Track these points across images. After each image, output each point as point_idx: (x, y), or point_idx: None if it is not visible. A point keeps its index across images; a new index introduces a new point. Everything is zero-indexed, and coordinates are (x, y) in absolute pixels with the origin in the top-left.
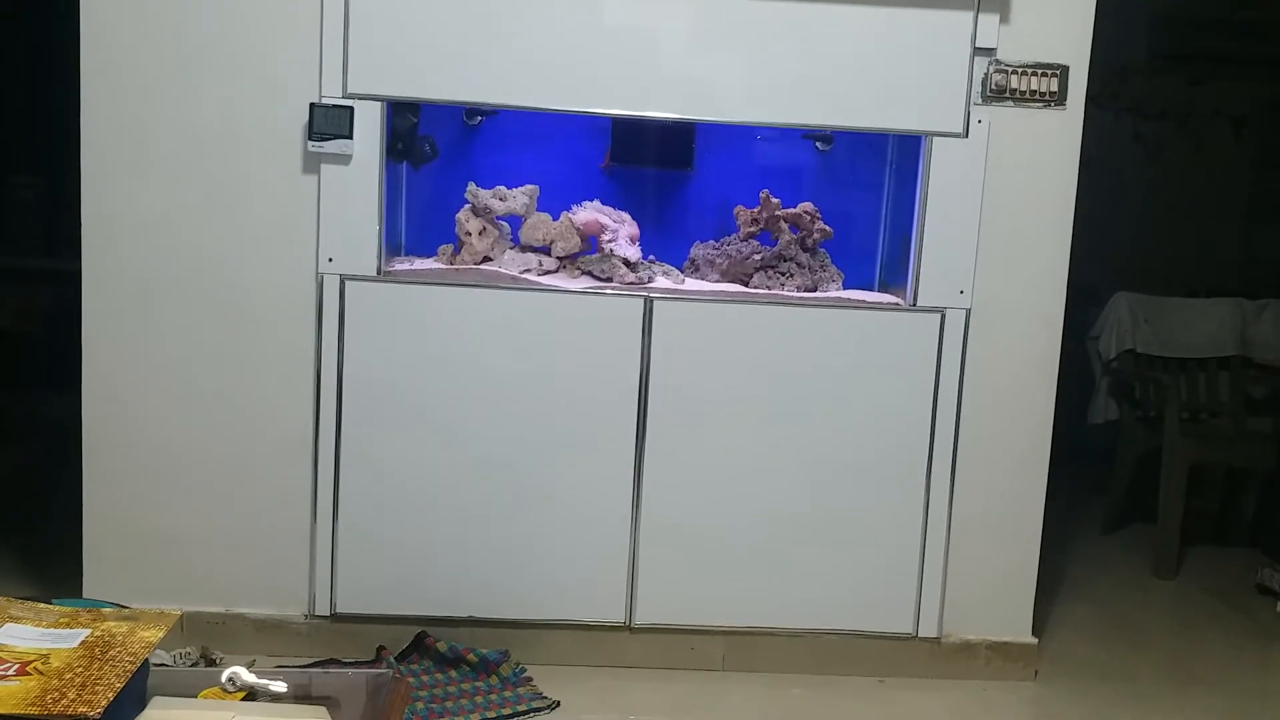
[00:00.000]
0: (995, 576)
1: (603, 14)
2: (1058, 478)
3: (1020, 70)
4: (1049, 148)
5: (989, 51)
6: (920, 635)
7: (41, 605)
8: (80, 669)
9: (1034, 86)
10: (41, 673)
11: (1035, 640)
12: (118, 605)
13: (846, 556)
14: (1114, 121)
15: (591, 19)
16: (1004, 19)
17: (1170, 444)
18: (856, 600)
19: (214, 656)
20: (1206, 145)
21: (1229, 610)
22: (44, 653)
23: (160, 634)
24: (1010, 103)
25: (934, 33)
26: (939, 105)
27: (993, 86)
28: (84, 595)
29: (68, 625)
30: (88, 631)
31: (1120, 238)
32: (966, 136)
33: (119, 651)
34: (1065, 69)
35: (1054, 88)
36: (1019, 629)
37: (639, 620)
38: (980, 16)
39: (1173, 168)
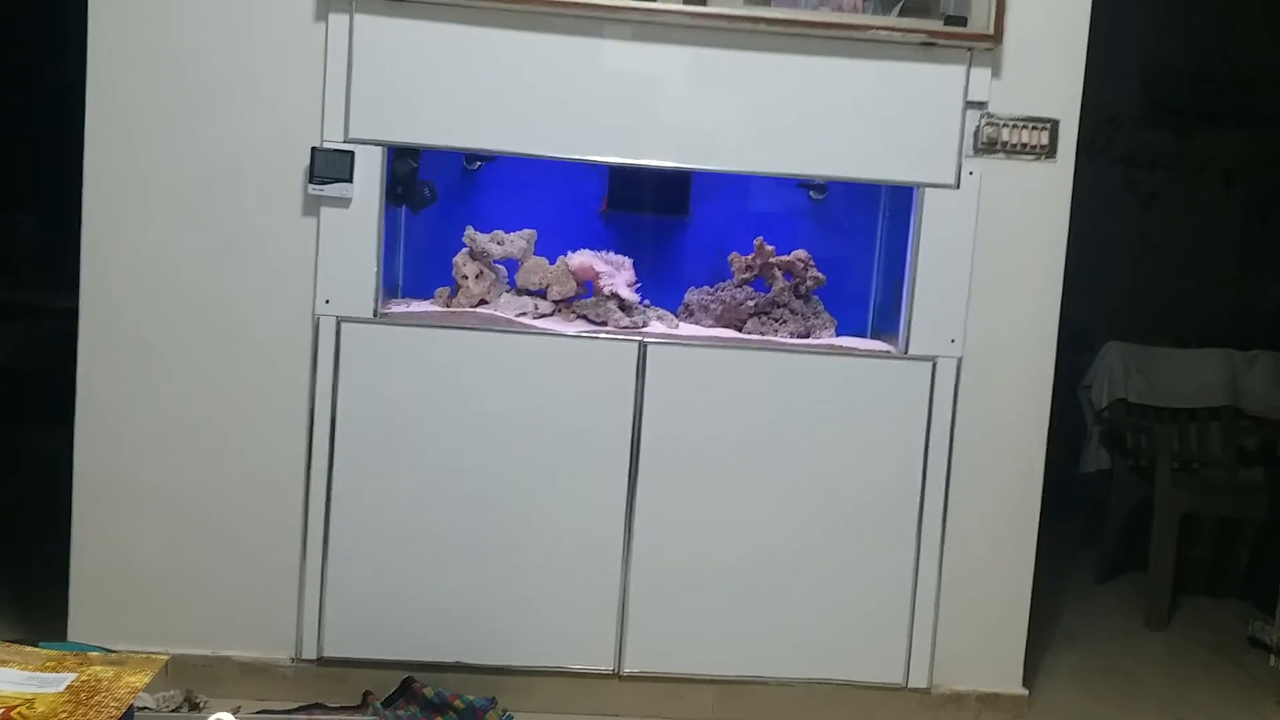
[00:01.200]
0: (986, 626)
1: (601, 63)
2: (1049, 527)
3: (1011, 123)
4: (1040, 199)
5: (981, 105)
6: (910, 686)
7: (28, 648)
8: (65, 714)
9: (1025, 139)
10: (26, 718)
11: (1026, 691)
12: (105, 649)
13: (837, 604)
14: (1105, 172)
15: (590, 68)
16: (996, 73)
17: (1162, 494)
18: (847, 649)
19: (198, 700)
20: (1197, 196)
21: (1221, 662)
22: (29, 697)
23: (146, 679)
24: (1002, 155)
25: (927, 86)
26: (931, 157)
27: (984, 139)
28: (69, 636)
29: (54, 669)
30: (74, 676)
31: (1112, 287)
32: (958, 188)
33: (104, 697)
34: (1056, 123)
35: (1045, 141)
36: (1009, 680)
37: (628, 668)
38: (972, 70)
39: (1164, 218)
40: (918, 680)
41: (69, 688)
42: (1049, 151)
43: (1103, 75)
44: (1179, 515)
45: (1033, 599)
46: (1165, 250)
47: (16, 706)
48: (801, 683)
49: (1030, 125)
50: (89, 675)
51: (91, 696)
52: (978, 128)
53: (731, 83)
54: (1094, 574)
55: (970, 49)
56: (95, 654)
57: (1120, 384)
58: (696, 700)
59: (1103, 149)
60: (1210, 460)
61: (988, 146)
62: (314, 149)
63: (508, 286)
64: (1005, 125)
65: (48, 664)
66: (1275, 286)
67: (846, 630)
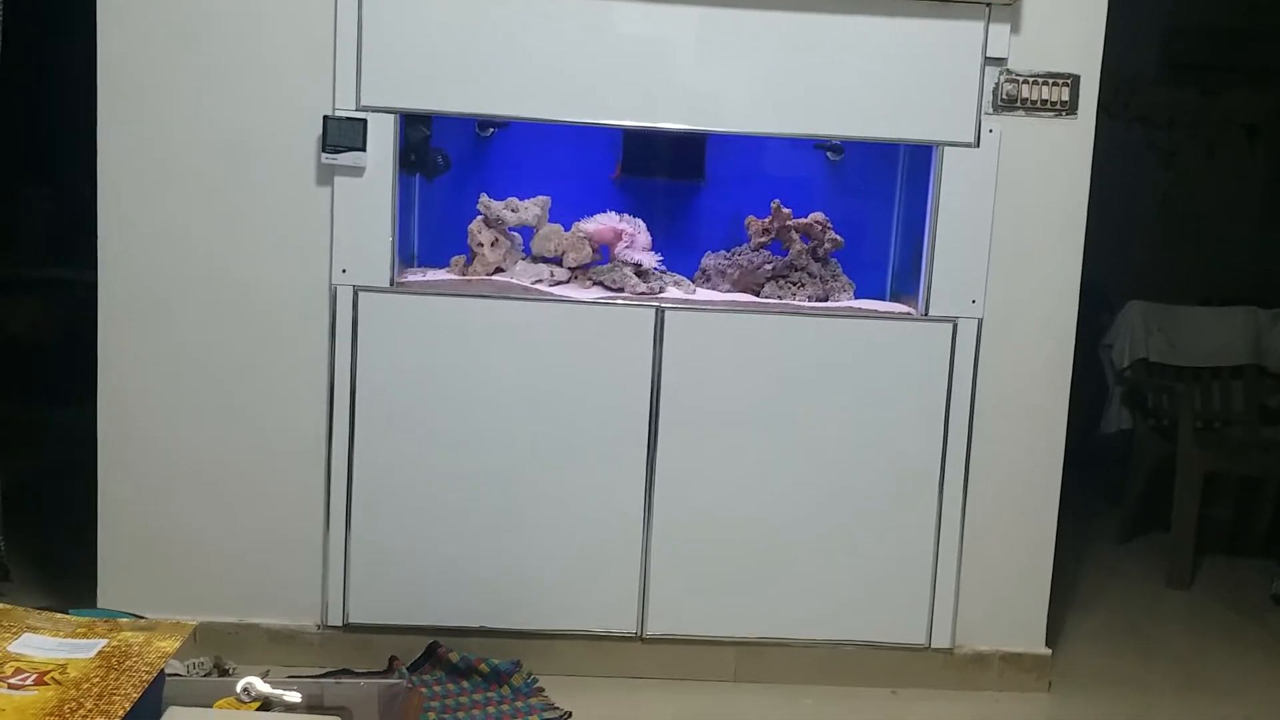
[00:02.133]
0: (1008, 587)
1: (614, 26)
2: (1071, 487)
3: (1031, 80)
4: (1060, 157)
5: (1000, 61)
6: (933, 646)
7: (59, 615)
8: (97, 679)
9: (1045, 96)
10: (59, 683)
11: (1049, 651)
12: (134, 615)
13: (859, 566)
14: (1126, 131)
15: (602, 31)
16: (1015, 29)
17: (1184, 453)
18: (869, 611)
19: (227, 667)
20: (1219, 154)
21: (1243, 621)
22: (61, 663)
23: (176, 644)
24: (1021, 112)
25: (945, 43)
26: (950, 115)
27: (1004, 96)
28: (99, 605)
29: (85, 635)
30: (104, 642)
31: (1134, 246)
32: (978, 146)
33: (135, 661)
34: (1076, 78)
35: (1065, 97)
36: (1032, 640)
37: (650, 631)
38: (991, 27)
39: (1185, 177)
40: (941, 641)
41: (100, 653)
42: (1070, 108)
43: (1122, 33)
44: (1201, 474)
45: (1055, 559)
46: (1187, 208)
47: (50, 672)
48: (824, 644)
49: (1050, 81)
50: (120, 641)
51: (123, 661)
52: (997, 84)
53: (744, 43)
54: (1116, 534)
55: (989, 4)
56: (125, 620)
57: (1142, 343)
58: (719, 661)
59: (1123, 108)
60: (1233, 419)
61: (1007, 103)
62: (326, 118)
63: (523, 254)
64: (1025, 82)
65: (79, 630)
66: None
67: (869, 592)
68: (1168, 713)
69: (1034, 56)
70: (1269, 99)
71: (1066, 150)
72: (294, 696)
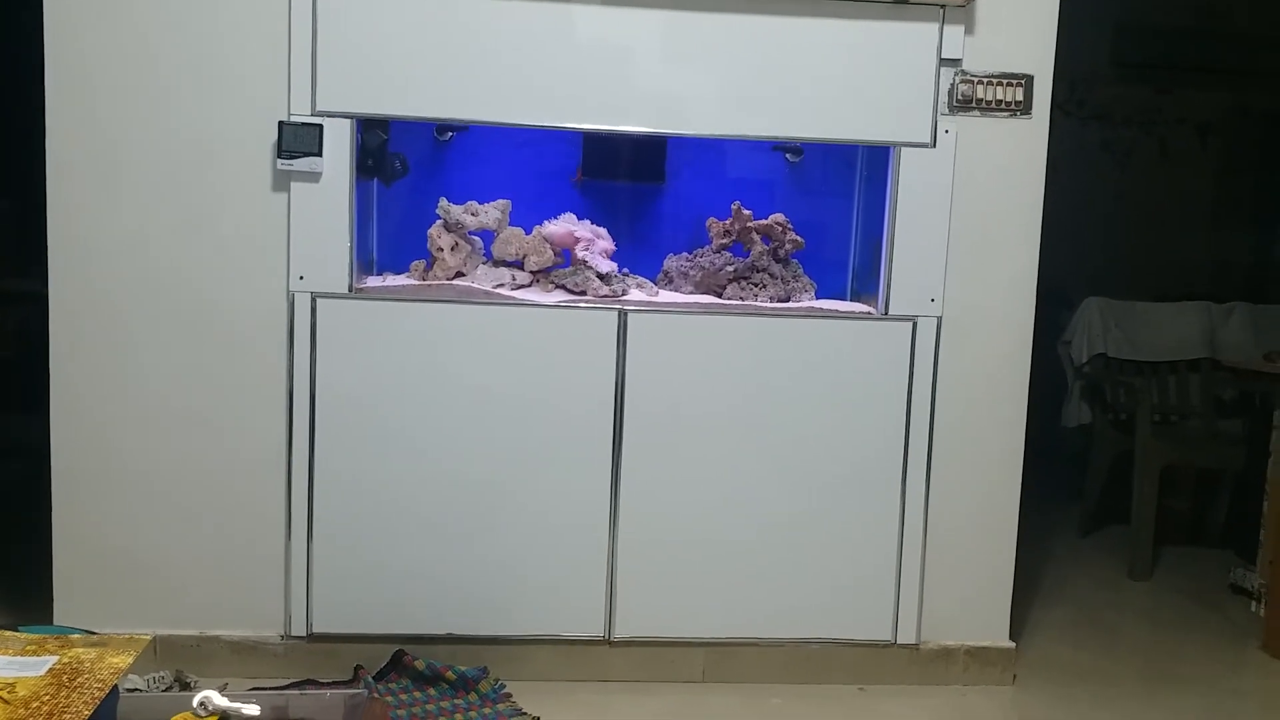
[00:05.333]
0: (972, 582)
1: (574, 29)
2: (1032, 482)
3: (986, 80)
4: (1016, 156)
5: (955, 62)
6: (899, 642)
7: (8, 633)
8: (48, 697)
9: (999, 96)
10: (7, 702)
11: (1013, 644)
12: (87, 632)
13: (824, 564)
14: (1081, 129)
15: (563, 33)
16: (969, 30)
17: (1142, 447)
18: (835, 608)
19: (188, 680)
20: (1173, 152)
21: (1204, 610)
22: (10, 681)
23: (129, 660)
24: (977, 112)
25: (900, 45)
26: (906, 116)
27: (959, 97)
28: (55, 622)
29: (35, 653)
30: (55, 659)
31: (1090, 243)
32: (934, 146)
33: (87, 679)
34: (1030, 78)
35: (1019, 97)
36: (997, 633)
37: (618, 634)
38: (945, 28)
39: (1140, 174)
40: (906, 636)
41: (50, 670)
42: (1024, 108)
43: (1076, 32)
44: (1159, 467)
45: (1018, 554)
46: (1142, 206)
47: None
48: (791, 642)
49: (1005, 82)
50: (71, 657)
51: (74, 678)
52: (952, 85)
53: (704, 46)
54: (1077, 527)
55: (943, 6)
56: (77, 636)
57: (1100, 339)
58: (687, 663)
59: (1078, 106)
60: (1189, 412)
61: (963, 104)
62: (281, 123)
63: (484, 258)
64: (980, 82)
65: (28, 648)
66: (1251, 239)
67: (835, 590)
68: (1131, 703)
69: (988, 57)
70: (1220, 97)
71: (1022, 149)
72: (253, 709)
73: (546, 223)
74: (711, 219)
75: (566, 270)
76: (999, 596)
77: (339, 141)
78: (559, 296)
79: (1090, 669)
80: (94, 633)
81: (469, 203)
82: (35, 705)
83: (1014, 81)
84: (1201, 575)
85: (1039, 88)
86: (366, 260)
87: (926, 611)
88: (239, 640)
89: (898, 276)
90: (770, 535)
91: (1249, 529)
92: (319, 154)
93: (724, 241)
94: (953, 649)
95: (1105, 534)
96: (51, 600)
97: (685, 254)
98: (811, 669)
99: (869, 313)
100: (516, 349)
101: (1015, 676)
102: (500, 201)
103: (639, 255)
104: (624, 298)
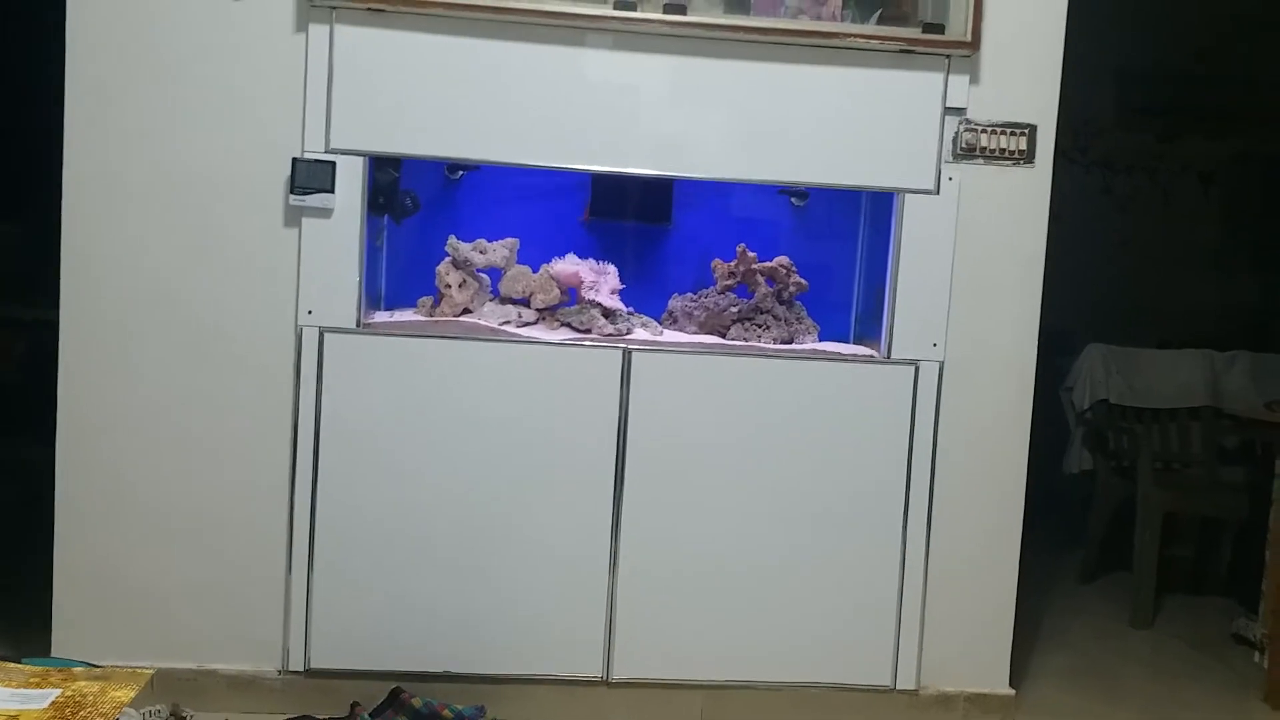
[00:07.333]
0: (972, 627)
1: (583, 72)
2: (1033, 528)
3: (990, 129)
4: (1019, 204)
5: (959, 111)
6: (898, 687)
7: (11, 665)
8: None
9: (1003, 145)
10: None
11: (1013, 691)
12: (89, 664)
13: (824, 608)
14: (1085, 175)
15: (572, 76)
16: (974, 80)
17: (1144, 494)
18: (834, 652)
19: (185, 714)
20: (1175, 199)
21: (1206, 659)
22: (13, 714)
23: (132, 694)
24: (980, 161)
25: (906, 93)
26: (911, 163)
27: (963, 145)
28: (53, 652)
29: (38, 685)
30: (58, 692)
31: (1093, 289)
32: (938, 194)
33: (89, 712)
34: (1033, 128)
35: (1023, 146)
36: (996, 680)
37: (617, 675)
38: (951, 78)
39: (1143, 220)
40: (905, 682)
41: (53, 704)
42: (1027, 157)
43: (1080, 80)
44: (1161, 515)
45: (1018, 600)
46: (1144, 253)
47: None
48: (789, 686)
49: (1008, 131)
50: (74, 691)
51: (77, 712)
52: (956, 134)
53: (712, 91)
54: (1078, 574)
55: (948, 56)
56: (79, 669)
57: (1102, 385)
58: (685, 705)
59: (1081, 153)
60: (1191, 460)
61: (967, 152)
62: (295, 160)
63: (491, 295)
64: (984, 131)
65: (31, 680)
66: (1253, 287)
67: (834, 633)
68: None
69: (992, 107)
70: (1223, 144)
71: (1025, 197)
72: None
73: (554, 261)
74: (717, 260)
75: (572, 309)
76: (999, 642)
77: (351, 179)
78: (564, 334)
79: (1090, 717)
80: (96, 665)
81: (478, 240)
82: None
83: (1018, 131)
84: (1203, 624)
85: (1042, 137)
86: (375, 296)
87: (926, 656)
88: (236, 674)
89: (900, 320)
90: (771, 577)
91: (1251, 578)
92: (331, 190)
93: (729, 283)
94: (952, 695)
95: (1107, 581)
96: (50, 629)
97: (690, 294)
98: (810, 713)
99: (872, 356)
100: (521, 386)
101: None
102: (508, 240)
103: (644, 295)
104: (629, 336)
